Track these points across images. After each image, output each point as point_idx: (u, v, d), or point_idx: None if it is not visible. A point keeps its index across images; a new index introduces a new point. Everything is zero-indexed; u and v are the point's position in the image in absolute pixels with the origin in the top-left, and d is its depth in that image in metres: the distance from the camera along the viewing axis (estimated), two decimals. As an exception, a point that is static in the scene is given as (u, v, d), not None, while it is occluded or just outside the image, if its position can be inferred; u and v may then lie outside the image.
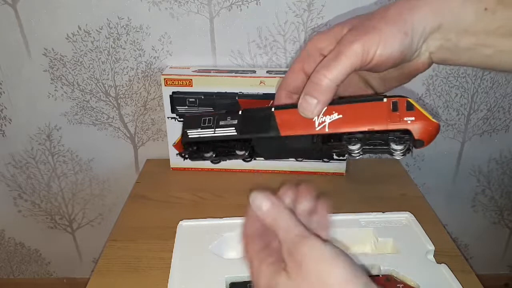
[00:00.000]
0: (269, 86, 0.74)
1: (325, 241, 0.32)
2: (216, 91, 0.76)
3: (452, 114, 0.93)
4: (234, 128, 0.38)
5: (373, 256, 0.55)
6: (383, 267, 0.52)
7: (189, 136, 0.40)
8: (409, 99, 0.34)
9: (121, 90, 0.88)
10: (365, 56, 0.32)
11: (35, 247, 1.11)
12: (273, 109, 0.37)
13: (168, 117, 0.79)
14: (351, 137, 0.35)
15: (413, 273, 0.50)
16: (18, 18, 0.80)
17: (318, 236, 0.32)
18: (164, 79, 0.76)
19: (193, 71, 0.78)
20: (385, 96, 0.35)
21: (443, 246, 0.58)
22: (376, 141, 0.35)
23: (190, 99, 0.77)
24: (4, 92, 0.88)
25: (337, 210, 0.61)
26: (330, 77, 0.33)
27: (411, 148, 0.34)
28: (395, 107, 0.34)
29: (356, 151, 0.35)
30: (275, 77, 0.75)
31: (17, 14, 0.80)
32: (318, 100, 0.34)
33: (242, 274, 0.51)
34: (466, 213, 1.07)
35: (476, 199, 1.05)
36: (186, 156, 0.42)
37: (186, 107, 0.77)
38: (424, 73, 0.96)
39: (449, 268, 0.51)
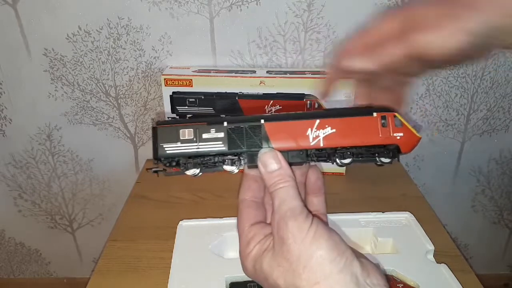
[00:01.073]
0: (269, 86, 0.74)
1: (316, 219, 0.31)
2: (216, 91, 0.76)
3: (452, 114, 0.93)
4: (221, 142, 0.36)
5: (373, 256, 0.55)
6: (383, 267, 0.52)
7: (167, 152, 0.36)
8: (396, 114, 0.36)
9: (121, 90, 0.88)
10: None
11: (35, 247, 1.11)
12: (262, 121, 0.36)
13: (168, 117, 0.79)
14: (344, 152, 0.36)
15: (413, 273, 0.50)
16: (18, 18, 0.80)
17: (314, 215, 0.32)
18: (164, 79, 0.76)
19: (193, 71, 0.78)
20: (373, 110, 0.36)
21: (443, 246, 0.58)
22: (365, 154, 0.37)
23: (190, 99, 0.77)
24: (4, 92, 0.88)
25: (337, 210, 0.61)
26: None
27: (394, 157, 0.37)
28: (384, 123, 0.36)
29: (347, 164, 0.37)
30: (275, 77, 0.75)
31: (17, 14, 0.80)
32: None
33: (242, 274, 0.51)
34: (466, 213, 1.07)
35: (476, 199, 1.05)
36: (161, 170, 0.37)
37: (186, 107, 0.77)
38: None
39: (449, 268, 0.51)
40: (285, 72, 0.78)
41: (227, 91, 0.75)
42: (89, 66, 0.85)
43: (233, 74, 0.76)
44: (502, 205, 1.06)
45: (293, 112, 0.37)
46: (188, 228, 0.59)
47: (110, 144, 0.94)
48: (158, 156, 0.36)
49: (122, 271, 0.58)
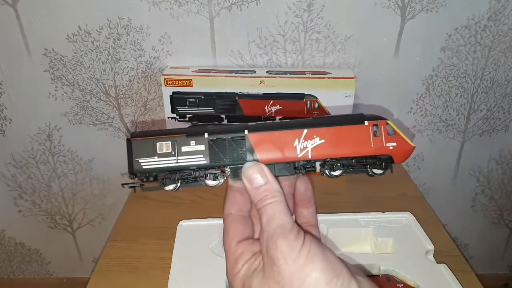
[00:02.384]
0: (269, 86, 0.74)
1: (309, 237, 0.29)
2: (216, 91, 0.76)
3: (452, 114, 0.93)
4: (202, 156, 0.33)
5: (373, 256, 0.55)
6: (383, 267, 0.52)
7: (144, 167, 0.33)
8: (388, 122, 0.34)
9: (121, 90, 0.88)
10: None
11: (35, 247, 1.11)
12: (246, 132, 0.34)
13: (168, 117, 0.79)
14: (334, 163, 0.34)
15: (413, 273, 0.50)
16: (18, 18, 0.80)
17: (304, 231, 0.30)
18: (164, 79, 0.76)
19: (193, 71, 0.78)
20: (365, 118, 0.34)
21: (443, 246, 0.58)
22: (356, 165, 0.35)
23: (190, 99, 0.77)
24: (4, 92, 0.88)
25: (337, 210, 0.61)
26: None
27: (387, 168, 0.35)
28: (376, 131, 0.34)
29: (337, 176, 0.35)
30: (275, 77, 0.75)
31: (17, 14, 0.80)
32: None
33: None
34: (466, 213, 1.07)
35: (476, 199, 1.05)
36: (137, 185, 0.35)
37: (186, 107, 0.77)
38: (424, 73, 0.96)
39: (449, 268, 0.51)
40: (285, 72, 0.78)
41: (227, 91, 0.75)
42: (89, 66, 0.85)
43: (233, 74, 0.76)
44: (502, 205, 1.06)
45: (279, 121, 0.35)
46: (188, 228, 0.60)
47: (110, 144, 0.94)
48: (133, 172, 0.34)
49: (122, 271, 0.58)
